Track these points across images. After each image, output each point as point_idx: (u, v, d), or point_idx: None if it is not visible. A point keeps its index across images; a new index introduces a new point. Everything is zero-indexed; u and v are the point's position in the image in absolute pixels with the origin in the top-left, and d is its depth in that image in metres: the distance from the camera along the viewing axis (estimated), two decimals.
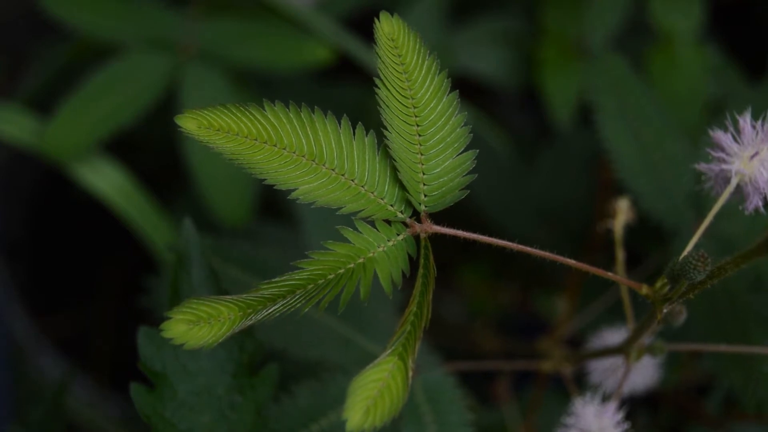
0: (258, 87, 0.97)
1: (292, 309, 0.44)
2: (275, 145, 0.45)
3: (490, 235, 0.47)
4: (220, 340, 0.43)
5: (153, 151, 1.07)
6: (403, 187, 0.46)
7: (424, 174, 0.47)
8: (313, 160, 0.45)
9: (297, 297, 0.44)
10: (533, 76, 0.99)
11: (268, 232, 0.92)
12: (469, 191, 0.47)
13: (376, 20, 0.47)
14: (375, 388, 0.41)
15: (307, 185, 0.45)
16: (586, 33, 0.99)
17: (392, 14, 0.49)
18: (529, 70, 1.00)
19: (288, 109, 0.46)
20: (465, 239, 0.47)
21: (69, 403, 0.92)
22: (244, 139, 0.45)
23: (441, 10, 0.98)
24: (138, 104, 0.89)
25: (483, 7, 1.05)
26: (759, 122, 0.47)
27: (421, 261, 0.45)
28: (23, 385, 0.99)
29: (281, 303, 0.44)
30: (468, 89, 1.00)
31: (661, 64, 0.96)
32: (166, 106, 0.90)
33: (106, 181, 0.90)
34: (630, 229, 0.63)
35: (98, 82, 0.89)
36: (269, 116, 0.46)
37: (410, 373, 0.43)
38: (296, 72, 0.93)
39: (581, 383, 0.68)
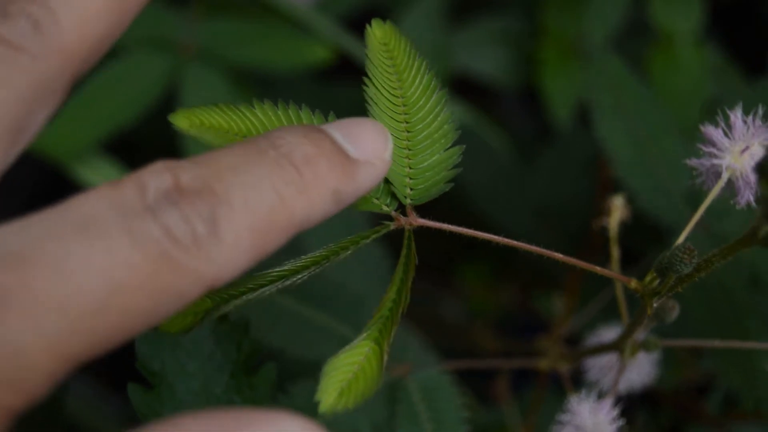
0: (258, 87, 0.97)
1: (270, 294, 0.45)
2: None
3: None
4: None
5: (153, 151, 1.06)
6: (388, 181, 0.47)
7: (410, 168, 0.47)
8: None
9: (277, 285, 0.45)
10: (533, 76, 0.99)
11: None
12: (453, 184, 0.48)
13: (367, 26, 0.48)
14: (350, 371, 0.42)
15: None
16: (586, 33, 0.99)
17: (392, 13, 0.49)
18: (529, 70, 1.00)
19: (277, 106, 0.47)
20: (463, 237, 0.47)
21: (69, 403, 0.92)
22: (234, 136, 0.45)
23: (441, 10, 0.98)
24: (138, 104, 0.89)
25: (483, 7, 1.05)
26: (750, 117, 0.48)
27: (404, 251, 0.46)
28: None
29: (261, 291, 0.45)
30: (468, 89, 1.00)
31: (661, 64, 0.96)
32: (167, 106, 0.90)
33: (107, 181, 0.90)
34: (628, 228, 0.63)
35: (98, 83, 0.89)
36: (258, 114, 0.46)
37: (385, 357, 0.43)
38: (296, 72, 0.94)
39: (580, 381, 0.68)
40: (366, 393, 0.42)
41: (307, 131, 0.43)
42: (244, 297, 0.45)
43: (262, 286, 0.45)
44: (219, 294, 0.45)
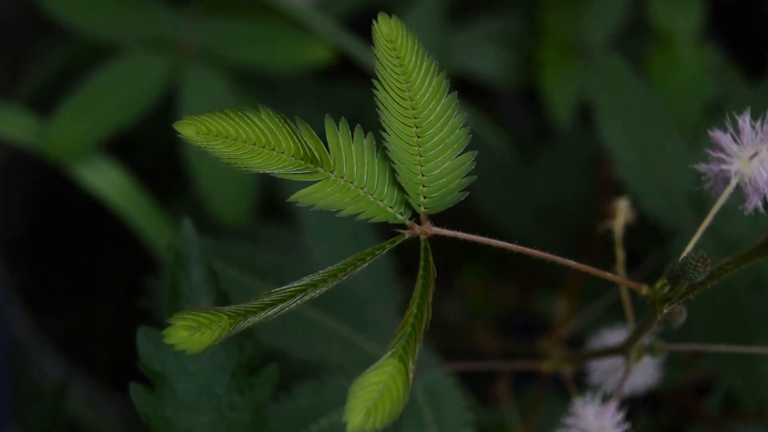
0: (258, 87, 0.97)
1: (289, 310, 0.44)
2: (273, 149, 0.45)
3: (491, 236, 0.47)
4: (219, 342, 0.43)
5: (153, 151, 1.07)
6: (402, 189, 0.46)
7: (423, 176, 0.46)
8: (311, 163, 0.45)
9: (296, 300, 0.44)
10: (533, 76, 0.99)
11: (268, 234, 0.92)
12: (468, 192, 0.47)
13: (374, 21, 0.46)
14: (375, 390, 0.41)
15: (306, 188, 0.45)
16: (586, 33, 0.99)
17: (391, 14, 0.48)
18: (529, 70, 1.00)
19: (279, 108, 0.46)
20: (465, 240, 0.47)
21: (69, 403, 0.92)
22: (242, 144, 0.44)
23: (441, 10, 0.98)
24: (138, 104, 0.89)
25: (483, 7, 1.05)
26: (758, 122, 0.47)
27: (421, 263, 0.45)
28: (23, 385, 0.99)
29: (279, 306, 0.44)
30: (468, 89, 0.99)
31: (661, 64, 0.96)
32: (167, 106, 0.90)
33: (106, 181, 0.90)
34: (630, 229, 0.63)
35: (98, 83, 0.89)
36: (266, 120, 0.45)
37: (411, 375, 0.42)
38: (296, 72, 0.93)
39: (582, 383, 0.68)
40: (393, 412, 0.41)
41: None
42: (263, 313, 0.44)
43: (282, 301, 0.44)
44: (237, 311, 0.44)
